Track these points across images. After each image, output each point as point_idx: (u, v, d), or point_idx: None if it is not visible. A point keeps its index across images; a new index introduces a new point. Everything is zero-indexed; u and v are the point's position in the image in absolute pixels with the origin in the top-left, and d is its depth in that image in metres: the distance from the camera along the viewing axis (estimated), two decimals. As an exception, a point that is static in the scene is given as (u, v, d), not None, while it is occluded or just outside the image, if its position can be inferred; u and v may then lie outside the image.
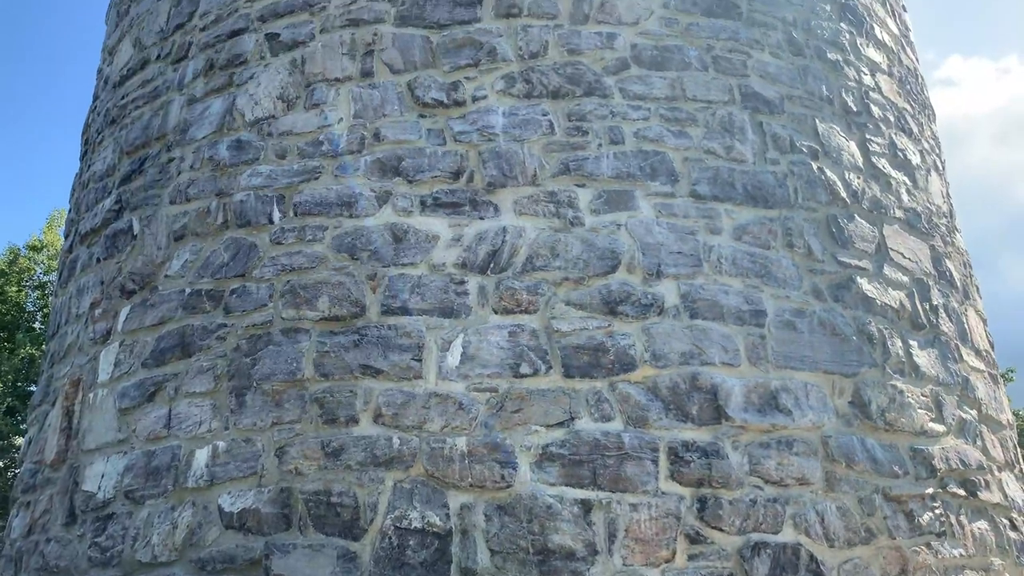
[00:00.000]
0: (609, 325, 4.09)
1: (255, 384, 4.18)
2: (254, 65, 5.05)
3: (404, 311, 4.17)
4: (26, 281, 19.69)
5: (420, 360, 4.04)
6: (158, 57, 5.66)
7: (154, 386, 4.48)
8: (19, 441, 15.93)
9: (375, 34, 4.86)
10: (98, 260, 5.32)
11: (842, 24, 5.47)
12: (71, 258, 5.76)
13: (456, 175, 4.46)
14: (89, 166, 6.02)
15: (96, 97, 6.53)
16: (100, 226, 5.43)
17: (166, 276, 4.77)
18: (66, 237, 6.19)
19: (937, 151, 6.05)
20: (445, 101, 4.65)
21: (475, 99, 4.64)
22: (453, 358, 4.03)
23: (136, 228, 5.10)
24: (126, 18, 6.24)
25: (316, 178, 4.58)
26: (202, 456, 4.15)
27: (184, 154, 5.05)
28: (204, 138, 4.99)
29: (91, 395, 4.82)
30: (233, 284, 4.50)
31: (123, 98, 5.81)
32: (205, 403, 4.28)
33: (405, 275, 4.25)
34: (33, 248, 19.91)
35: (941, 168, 5.99)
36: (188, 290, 4.61)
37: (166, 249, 4.86)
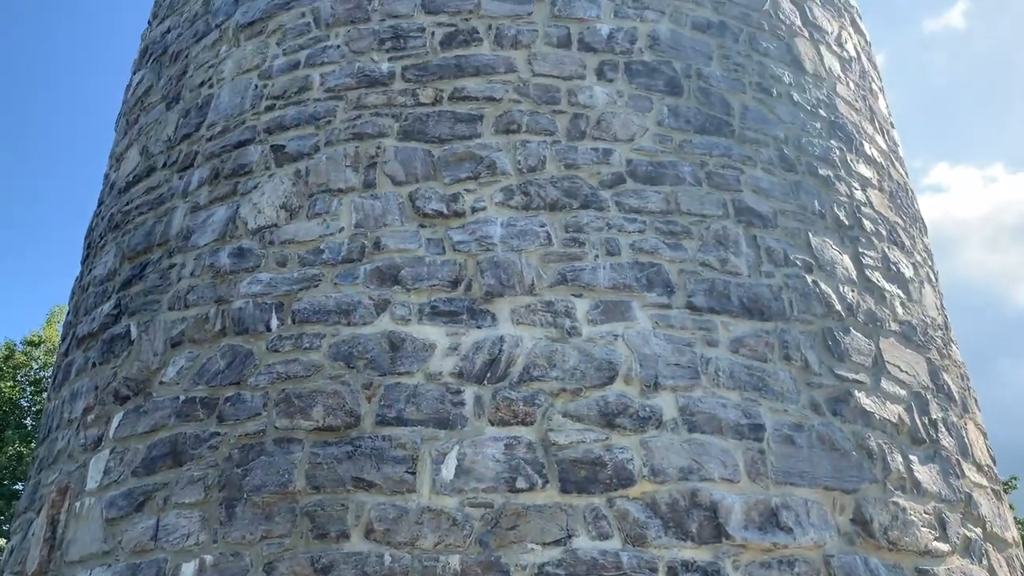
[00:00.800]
0: (607, 438, 4.05)
1: (246, 495, 4.10)
2: (259, 175, 5.16)
3: (399, 421, 4.13)
4: (21, 377, 19.57)
5: (414, 473, 3.98)
6: (164, 165, 5.79)
7: (143, 495, 4.39)
8: (2, 543, 15.50)
9: (378, 147, 4.99)
10: (94, 365, 5.30)
11: (832, 141, 5.63)
12: (67, 362, 5.75)
13: (454, 284, 4.50)
14: (90, 270, 6.08)
15: (101, 202, 6.64)
16: (98, 330, 5.44)
17: (161, 382, 4.75)
18: (63, 340, 6.18)
19: (930, 263, 6.13)
20: (445, 212, 4.73)
21: (474, 210, 4.73)
22: (448, 471, 3.97)
23: (134, 333, 5.11)
24: (135, 127, 6.41)
25: (315, 286, 4.62)
26: (188, 570, 4.03)
27: (185, 261, 5.11)
28: (206, 245, 5.06)
29: (78, 504, 4.72)
30: (228, 392, 4.47)
31: (127, 204, 5.92)
32: (194, 514, 4.18)
33: (401, 384, 4.23)
34: (31, 343, 19.88)
35: (934, 280, 6.06)
36: (182, 397, 4.58)
37: (162, 355, 4.86)
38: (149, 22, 7.40)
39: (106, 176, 6.90)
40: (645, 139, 5.03)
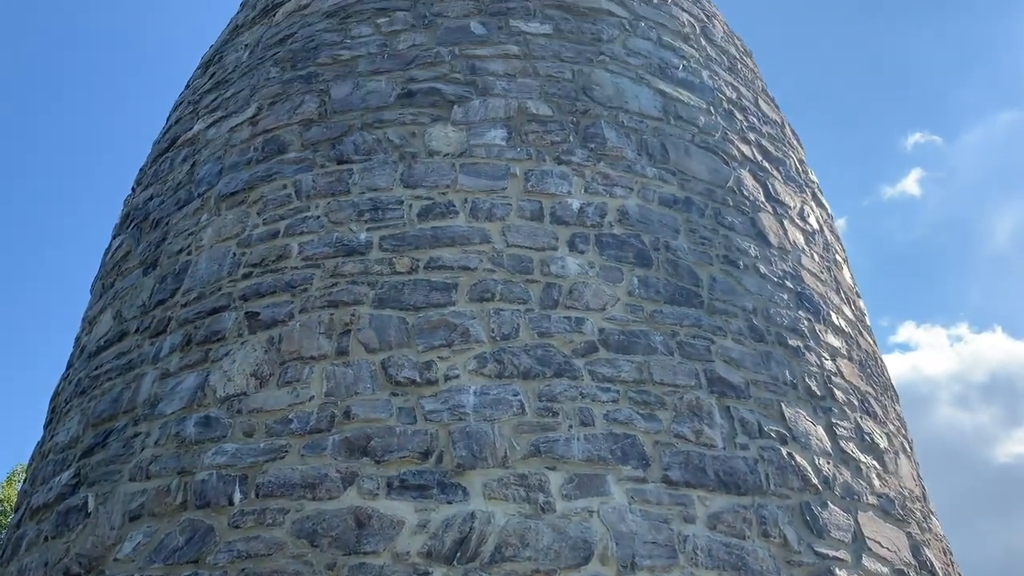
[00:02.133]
0: (581, 623, 3.86)
1: None
2: (231, 341, 5.14)
3: (364, 604, 3.93)
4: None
5: (378, 663, 3.74)
6: (137, 330, 5.77)
7: None
8: None
9: (353, 315, 5.02)
10: (46, 539, 5.06)
11: (800, 312, 5.74)
12: (18, 535, 5.48)
13: (425, 455, 4.41)
14: (52, 436, 5.91)
15: (70, 365, 6.56)
16: (54, 501, 5.23)
17: (115, 559, 4.52)
18: (16, 510, 5.93)
19: (904, 432, 6.13)
20: (418, 380, 4.71)
21: (447, 378, 4.71)
22: (414, 661, 3.74)
23: (91, 505, 4.91)
24: (110, 291, 6.43)
25: (282, 457, 4.51)
26: None
27: (151, 429, 4.99)
28: (173, 414, 4.96)
29: None
30: (185, 571, 4.26)
31: (96, 368, 5.84)
32: None
33: (366, 565, 4.05)
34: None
35: (909, 450, 6.04)
36: (136, 576, 4.35)
37: (119, 529, 4.65)
38: (133, 188, 7.58)
39: (77, 339, 6.85)
40: (617, 309, 5.11)
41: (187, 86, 8.23)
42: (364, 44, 6.54)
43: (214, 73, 7.50)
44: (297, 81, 6.46)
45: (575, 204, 5.54)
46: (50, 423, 6.27)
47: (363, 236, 5.35)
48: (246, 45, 7.45)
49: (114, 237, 7.25)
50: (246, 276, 5.41)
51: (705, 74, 6.95)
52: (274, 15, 7.49)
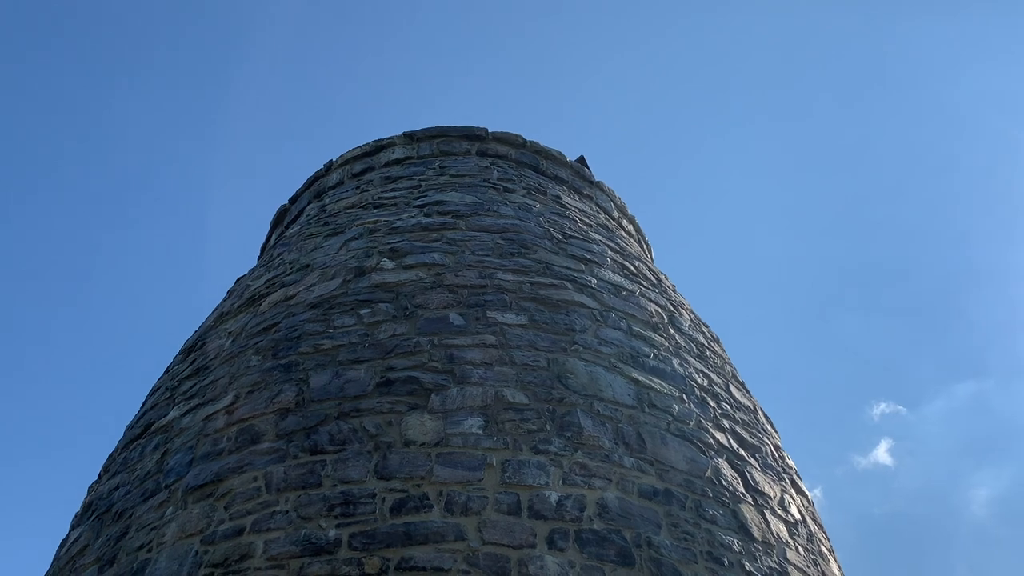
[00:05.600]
0: None
1: None
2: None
3: None
4: None
5: None
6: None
7: None
8: None
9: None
10: None
11: (791, 612, 5.45)
12: None
13: None
14: None
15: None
16: None
17: None
18: None
19: None
20: None
21: None
22: None
23: None
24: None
25: None
26: None
27: None
28: None
29: None
30: None
31: None
32: None
33: None
34: None
35: None
36: None
37: None
38: (100, 476, 7.38)
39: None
40: (597, 613, 4.82)
41: (166, 371, 8.32)
42: (346, 334, 6.73)
43: (195, 360, 7.62)
44: (277, 370, 6.55)
45: (553, 497, 5.43)
46: None
47: (332, 533, 5.15)
48: (229, 332, 7.64)
49: (72, 528, 6.93)
50: (206, 578, 5.11)
51: (676, 362, 7.16)
52: (260, 304, 7.77)
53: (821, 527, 7.04)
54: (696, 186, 37.80)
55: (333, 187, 10.94)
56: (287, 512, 5.34)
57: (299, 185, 11.66)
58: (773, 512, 6.27)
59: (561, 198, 9.96)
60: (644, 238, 11.72)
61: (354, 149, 11.24)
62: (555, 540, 5.16)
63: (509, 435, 5.78)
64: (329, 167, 11.41)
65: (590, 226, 9.38)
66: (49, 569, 6.77)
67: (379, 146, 11.04)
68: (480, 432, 5.79)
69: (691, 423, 6.49)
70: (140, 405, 8.07)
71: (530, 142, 11.10)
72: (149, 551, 5.58)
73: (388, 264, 7.56)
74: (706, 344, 8.05)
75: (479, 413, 5.93)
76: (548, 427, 5.90)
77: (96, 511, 6.60)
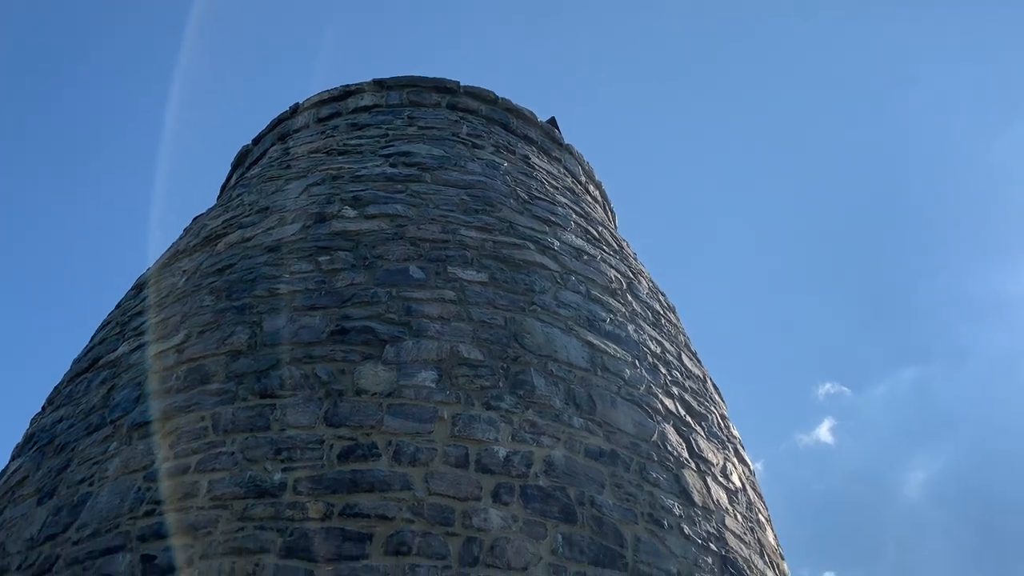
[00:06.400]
0: None
1: None
2: (121, 588, 4.73)
3: None
4: None
5: None
6: (19, 567, 5.28)
7: None
8: None
9: (257, 564, 4.69)
10: None
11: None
12: None
13: None
14: None
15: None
16: None
17: None
18: None
19: None
20: (321, 641, 4.34)
21: (354, 638, 4.35)
22: None
23: None
24: (-2, 521, 5.95)
25: None
26: None
27: None
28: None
29: None
30: None
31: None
32: None
33: None
34: None
35: None
36: None
37: None
38: (43, 408, 7.26)
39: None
40: (539, 569, 4.90)
41: (117, 306, 8.17)
42: (303, 280, 6.66)
43: (147, 296, 7.49)
44: (231, 311, 6.47)
45: (501, 452, 5.47)
46: None
47: (277, 476, 5.14)
48: (184, 271, 7.52)
49: (12, 459, 6.83)
50: (148, 514, 5.08)
51: (631, 328, 7.22)
52: (216, 244, 7.64)
53: (760, 496, 7.21)
54: (663, 160, 37.96)
55: (298, 130, 10.74)
56: (233, 453, 5.31)
57: (263, 127, 11.42)
58: (715, 479, 6.40)
59: (529, 158, 9.91)
60: (609, 205, 11.73)
61: (322, 93, 11.02)
62: (500, 494, 5.21)
63: (462, 390, 5.80)
64: (295, 110, 11.19)
65: (557, 188, 9.36)
66: (-14, 498, 6.67)
67: (347, 91, 10.85)
68: (433, 385, 5.79)
69: (641, 388, 6.57)
70: (88, 339, 7.93)
71: (502, 99, 11.00)
72: (91, 485, 5.53)
73: (350, 212, 7.48)
74: (662, 312, 8.13)
75: (433, 367, 5.93)
76: (501, 384, 5.93)
77: (38, 443, 6.50)
